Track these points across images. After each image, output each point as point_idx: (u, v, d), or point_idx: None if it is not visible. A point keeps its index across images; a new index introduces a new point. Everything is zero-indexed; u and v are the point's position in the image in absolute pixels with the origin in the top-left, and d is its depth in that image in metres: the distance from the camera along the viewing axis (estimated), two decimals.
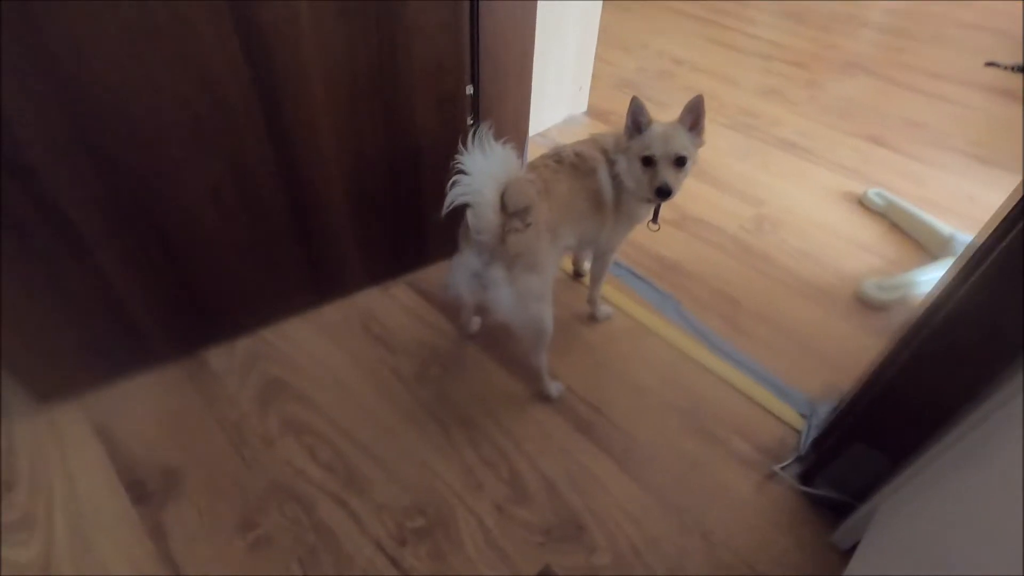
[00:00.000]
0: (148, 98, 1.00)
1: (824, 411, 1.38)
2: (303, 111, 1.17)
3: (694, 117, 1.20)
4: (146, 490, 1.16)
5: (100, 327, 1.23)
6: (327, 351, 1.45)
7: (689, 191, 1.19)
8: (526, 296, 1.15)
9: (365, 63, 1.18)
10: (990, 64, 3.33)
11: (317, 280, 1.50)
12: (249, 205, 1.24)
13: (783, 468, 1.27)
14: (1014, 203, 0.83)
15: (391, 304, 1.59)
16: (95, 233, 1.10)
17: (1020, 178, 2.27)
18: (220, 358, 1.41)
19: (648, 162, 1.20)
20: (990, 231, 0.87)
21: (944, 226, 1.91)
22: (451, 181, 1.00)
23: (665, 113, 1.23)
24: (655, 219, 1.37)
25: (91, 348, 1.25)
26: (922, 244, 1.93)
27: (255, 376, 1.38)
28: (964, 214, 2.09)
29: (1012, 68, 3.27)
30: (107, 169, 1.04)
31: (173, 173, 1.11)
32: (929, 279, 1.73)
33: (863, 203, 2.12)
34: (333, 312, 1.55)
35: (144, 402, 1.31)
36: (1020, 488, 0.63)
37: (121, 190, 1.08)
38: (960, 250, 1.76)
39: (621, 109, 1.22)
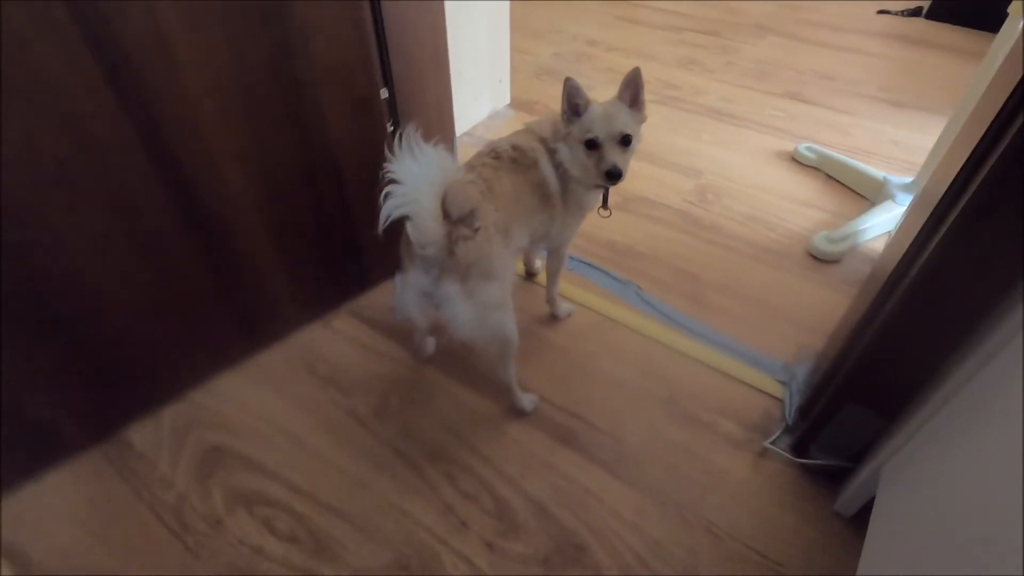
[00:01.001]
0: None
1: (802, 374, 1.35)
2: (192, 135, 1.02)
3: (633, 92, 1.13)
4: None
5: None
6: (270, 403, 1.29)
7: (629, 171, 1.12)
8: (486, 308, 1.05)
9: (257, 71, 1.04)
10: (882, 12, 3.48)
11: (246, 325, 1.34)
12: (147, 254, 1.07)
13: (773, 442, 1.23)
14: (969, 147, 0.80)
15: (335, 338, 1.44)
16: None
17: (934, 118, 2.35)
18: (145, 434, 1.23)
19: (592, 145, 1.12)
20: (948, 179, 0.84)
21: (876, 171, 1.94)
22: (383, 193, 0.87)
23: (591, 95, 1.15)
24: (605, 204, 1.30)
25: None
26: (859, 191, 1.96)
27: (190, 447, 1.20)
28: (891, 157, 2.15)
29: (902, 13, 3.43)
30: None
31: (44, 233, 0.93)
32: (874, 224, 1.74)
33: (796, 159, 2.13)
34: (271, 358, 1.39)
35: (57, 504, 1.11)
36: None
37: None
38: (896, 192, 1.79)
39: (545, 98, 1.14)
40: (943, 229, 0.81)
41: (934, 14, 3.35)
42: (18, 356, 0.99)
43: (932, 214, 0.86)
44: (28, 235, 0.92)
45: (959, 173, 0.81)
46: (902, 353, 0.95)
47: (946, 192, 0.83)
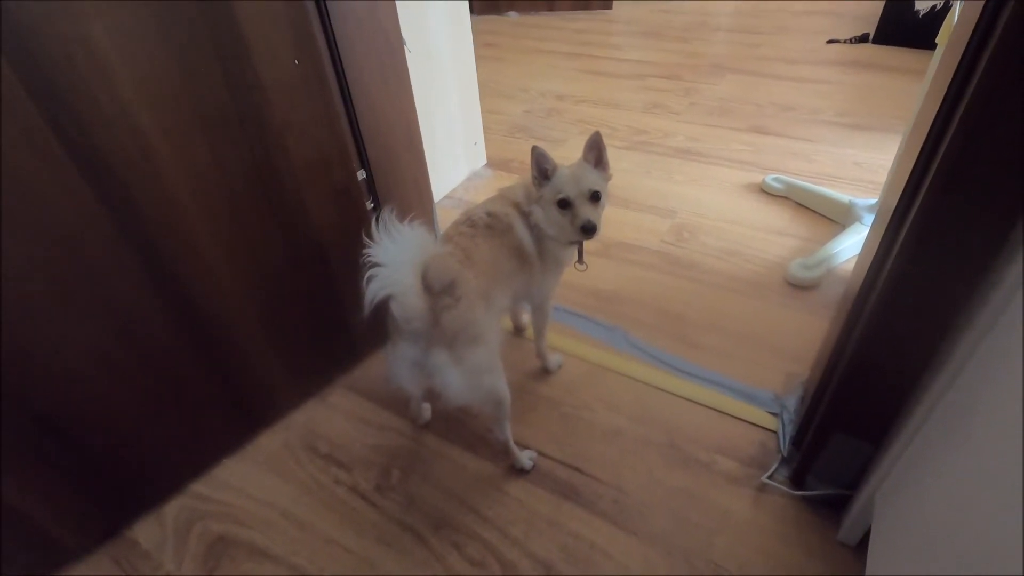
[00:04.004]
0: None
1: (792, 404, 1.37)
2: (182, 240, 1.07)
3: (596, 153, 1.20)
4: None
5: None
6: (273, 487, 1.30)
7: (606, 217, 1.18)
8: (476, 372, 1.08)
9: (238, 171, 1.10)
10: (831, 41, 3.67)
11: (244, 411, 1.36)
12: (146, 358, 1.11)
13: (771, 476, 1.24)
14: (911, 164, 0.85)
15: (332, 414, 1.46)
16: None
17: (891, 136, 2.44)
18: (149, 531, 1.23)
19: (564, 204, 1.18)
20: (897, 195, 0.88)
21: (841, 195, 2.02)
22: (366, 277, 0.92)
23: (563, 148, 1.22)
24: (580, 259, 1.35)
25: None
26: (828, 216, 2.03)
27: (195, 541, 1.21)
28: (855, 179, 2.23)
29: (850, 40, 3.61)
30: None
31: (43, 349, 0.97)
32: (845, 247, 1.80)
33: (764, 190, 2.21)
34: (270, 440, 1.41)
35: None
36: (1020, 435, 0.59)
37: None
38: (862, 214, 1.85)
39: (520, 155, 1.21)
40: (899, 242, 0.83)
41: (880, 38, 3.53)
42: (19, 463, 1.01)
43: (887, 229, 0.88)
44: (27, 345, 0.95)
45: (907, 185, 0.84)
46: (878, 375, 0.97)
47: (897, 205, 0.86)
